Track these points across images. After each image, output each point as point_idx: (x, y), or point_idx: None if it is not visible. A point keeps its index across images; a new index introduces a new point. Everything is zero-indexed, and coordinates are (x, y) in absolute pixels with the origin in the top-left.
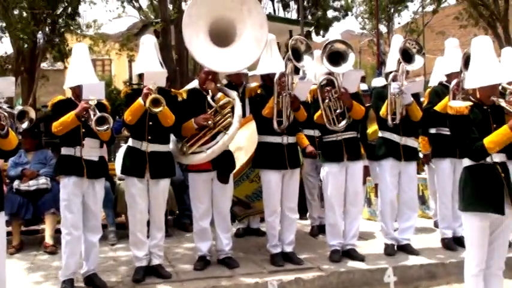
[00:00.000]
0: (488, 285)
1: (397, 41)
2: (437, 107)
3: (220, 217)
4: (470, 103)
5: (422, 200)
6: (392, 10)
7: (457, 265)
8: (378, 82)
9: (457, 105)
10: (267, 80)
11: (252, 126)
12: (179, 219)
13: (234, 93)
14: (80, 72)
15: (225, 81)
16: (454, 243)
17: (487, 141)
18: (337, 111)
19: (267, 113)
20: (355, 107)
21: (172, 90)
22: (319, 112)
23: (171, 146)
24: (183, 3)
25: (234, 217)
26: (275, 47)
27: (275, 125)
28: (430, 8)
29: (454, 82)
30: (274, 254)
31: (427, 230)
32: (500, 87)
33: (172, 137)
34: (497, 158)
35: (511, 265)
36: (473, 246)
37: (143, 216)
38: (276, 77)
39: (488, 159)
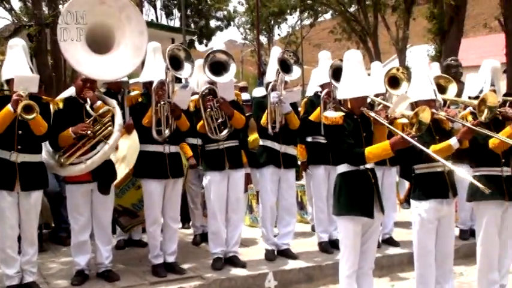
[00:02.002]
0: (361, 284)
1: (276, 52)
2: (312, 117)
3: (100, 229)
4: (343, 113)
5: (301, 206)
6: (272, 22)
7: (333, 267)
8: (259, 92)
9: (332, 115)
10: (149, 88)
11: (133, 135)
12: (55, 232)
13: (113, 102)
14: (13, 65)
15: (103, 89)
16: (330, 246)
17: (368, 151)
18: (219, 120)
19: (146, 122)
20: (236, 116)
21: (43, 97)
22: (201, 122)
23: (45, 157)
24: (60, 6)
25: (114, 229)
26: (159, 55)
27: (154, 134)
28: (307, 22)
29: (324, 92)
30: (156, 265)
31: (306, 234)
32: (369, 99)
33: (46, 148)
34: (369, 164)
35: (380, 264)
36: (347, 249)
37: (13, 231)
38: (154, 85)
39: (361, 166)
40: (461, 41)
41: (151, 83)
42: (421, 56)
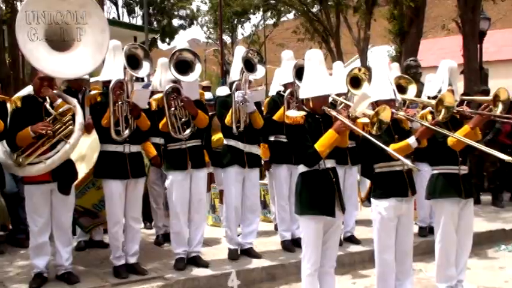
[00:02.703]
0: (322, 282)
1: (240, 51)
2: (275, 116)
3: (60, 230)
4: (305, 112)
5: (264, 205)
6: (235, 21)
7: (296, 265)
8: (222, 91)
9: (293, 114)
10: (108, 87)
11: (93, 134)
12: (13, 234)
13: (74, 100)
14: None
15: (63, 87)
16: (293, 244)
17: (318, 145)
18: (182, 119)
19: (105, 123)
20: (200, 116)
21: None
22: (164, 120)
23: (2, 157)
24: (18, 3)
25: (75, 230)
26: (119, 53)
27: (113, 135)
28: (271, 21)
29: (288, 92)
30: (118, 266)
31: (269, 233)
32: (331, 99)
33: (4, 147)
34: (329, 163)
35: (342, 262)
36: (309, 248)
37: None
38: (111, 85)
39: (321, 165)
40: (421, 41)
41: (110, 82)
42: (381, 56)
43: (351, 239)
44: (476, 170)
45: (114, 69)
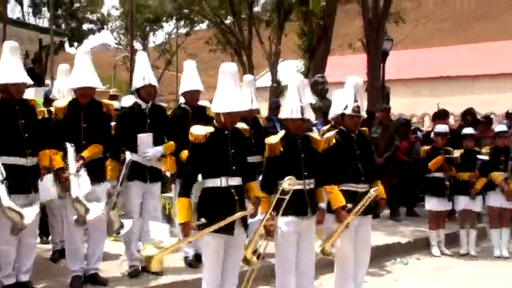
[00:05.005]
0: None
1: (142, 59)
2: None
3: None
4: (212, 129)
5: (168, 219)
6: (148, 28)
7: (198, 282)
8: (127, 101)
9: (196, 132)
10: (3, 90)
11: None
12: None
13: None
14: None
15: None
16: (196, 260)
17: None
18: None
19: None
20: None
21: None
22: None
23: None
24: None
25: None
26: (17, 55)
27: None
28: (183, 30)
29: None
30: (7, 286)
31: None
32: None
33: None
34: (233, 181)
35: (244, 278)
36: (209, 265)
37: None
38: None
39: (223, 183)
40: (329, 58)
41: (6, 85)
42: (293, 72)
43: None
44: None
45: (11, 72)
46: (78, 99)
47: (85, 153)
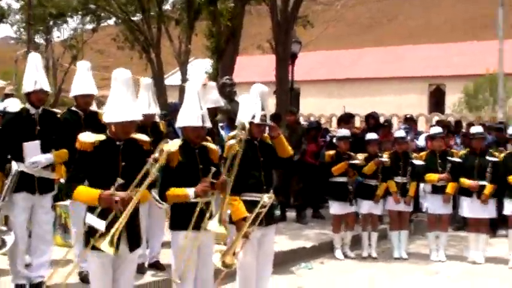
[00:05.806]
0: None
1: (34, 60)
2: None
3: None
4: (101, 138)
5: (64, 229)
6: (51, 23)
7: None
8: (13, 105)
9: (84, 139)
10: None
11: None
12: None
13: None
14: None
15: None
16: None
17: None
18: None
19: None
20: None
21: None
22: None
23: None
24: None
25: None
26: None
27: None
28: (90, 26)
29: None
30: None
31: (69, 261)
32: None
33: None
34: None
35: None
36: (95, 283)
37: None
38: None
39: None
40: (238, 58)
41: None
42: (197, 75)
43: (156, 265)
44: (282, 187)
45: None
46: None
47: None
